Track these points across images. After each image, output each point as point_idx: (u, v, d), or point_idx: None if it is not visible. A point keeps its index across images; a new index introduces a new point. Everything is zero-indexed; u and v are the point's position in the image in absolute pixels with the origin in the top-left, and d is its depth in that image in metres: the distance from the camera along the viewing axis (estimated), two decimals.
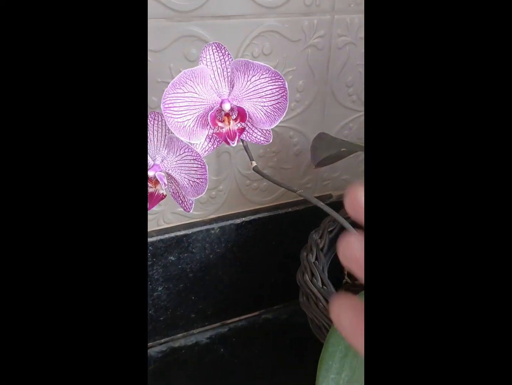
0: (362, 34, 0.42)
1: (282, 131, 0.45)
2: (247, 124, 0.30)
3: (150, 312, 0.49)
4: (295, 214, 0.49)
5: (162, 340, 0.52)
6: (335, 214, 0.36)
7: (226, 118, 0.29)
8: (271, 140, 0.32)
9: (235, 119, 0.29)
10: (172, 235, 0.45)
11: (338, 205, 0.35)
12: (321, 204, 0.37)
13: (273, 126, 0.30)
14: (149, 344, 0.51)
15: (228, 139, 0.29)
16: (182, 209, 0.45)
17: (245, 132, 0.31)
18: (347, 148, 0.39)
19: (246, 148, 0.38)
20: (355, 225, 0.34)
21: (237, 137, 0.29)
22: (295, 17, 0.39)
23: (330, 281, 0.36)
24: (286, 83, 0.28)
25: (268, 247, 0.50)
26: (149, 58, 0.36)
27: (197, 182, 0.30)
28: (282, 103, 0.29)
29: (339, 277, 0.44)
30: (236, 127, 0.29)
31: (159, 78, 0.36)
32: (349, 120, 0.47)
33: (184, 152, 0.30)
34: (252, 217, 0.48)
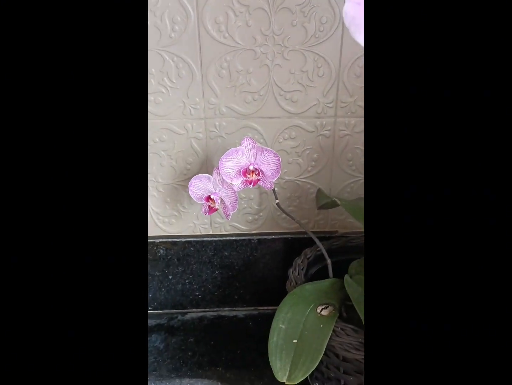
0: (357, 129, 0.67)
1: (302, 184, 0.71)
2: (262, 177, 0.58)
3: (209, 287, 0.78)
4: (309, 239, 0.74)
5: (215, 309, 0.79)
6: (318, 241, 0.60)
7: (252, 173, 0.57)
8: (273, 187, 0.59)
9: (257, 174, 0.57)
10: (228, 238, 0.74)
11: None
12: (311, 233, 0.62)
13: (274, 180, 0.57)
14: (206, 309, 0.79)
15: (249, 184, 0.57)
16: (236, 223, 0.74)
17: (261, 181, 0.58)
18: (333, 200, 0.64)
19: (274, 191, 0.65)
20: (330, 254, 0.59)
21: (253, 183, 0.57)
22: (311, 119, 0.66)
23: None
24: (280, 159, 0.55)
25: (290, 259, 0.75)
26: (224, 137, 0.66)
27: (233, 204, 0.59)
28: (278, 168, 0.56)
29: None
30: (256, 178, 0.57)
31: (229, 148, 0.67)
32: (350, 182, 0.71)
33: (229, 188, 0.59)
34: (280, 236, 0.74)
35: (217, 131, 0.66)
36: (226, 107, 0.64)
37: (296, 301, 0.52)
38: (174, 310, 0.79)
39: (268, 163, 0.57)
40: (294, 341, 0.49)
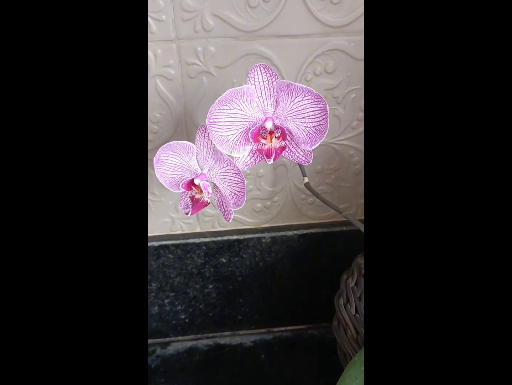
0: None
1: (342, 150, 0.44)
2: (290, 143, 0.31)
3: (201, 306, 0.52)
4: (350, 234, 0.48)
5: (210, 335, 0.55)
6: None
7: (269, 136, 0.30)
8: (311, 161, 0.32)
9: (278, 138, 0.31)
10: (225, 238, 0.48)
11: None
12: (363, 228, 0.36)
13: (313, 148, 0.30)
14: (198, 336, 0.54)
15: (265, 157, 0.30)
16: (237, 214, 0.48)
17: (287, 151, 0.31)
18: None
19: (299, 163, 0.39)
20: None
21: (273, 155, 0.30)
22: (361, 36, 0.38)
23: None
24: (328, 106, 0.28)
25: (319, 263, 0.50)
26: (214, 73, 0.38)
27: (237, 195, 0.32)
28: (323, 125, 0.29)
29: None
30: (278, 145, 0.30)
31: (222, 92, 0.39)
32: None
33: (227, 165, 0.32)
34: (305, 231, 0.48)
35: (200, 63, 0.38)
36: (214, 16, 0.36)
37: None
38: (150, 340, 0.54)
39: (301, 115, 0.30)
40: None
